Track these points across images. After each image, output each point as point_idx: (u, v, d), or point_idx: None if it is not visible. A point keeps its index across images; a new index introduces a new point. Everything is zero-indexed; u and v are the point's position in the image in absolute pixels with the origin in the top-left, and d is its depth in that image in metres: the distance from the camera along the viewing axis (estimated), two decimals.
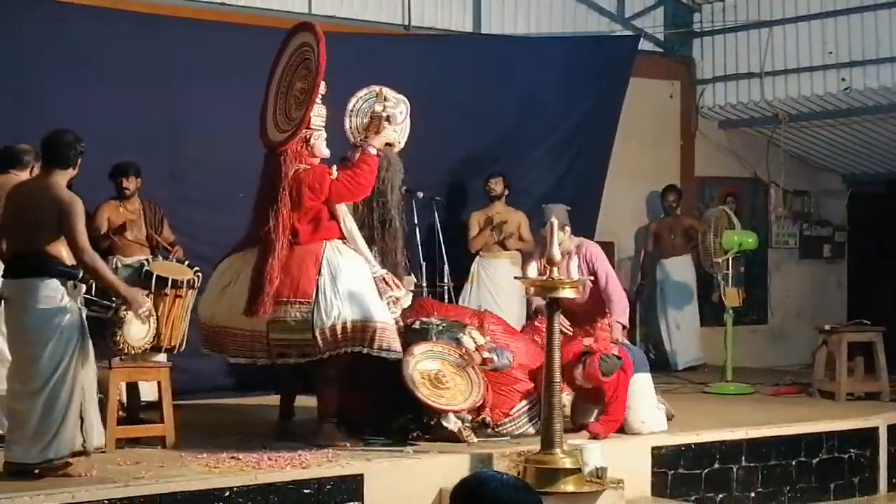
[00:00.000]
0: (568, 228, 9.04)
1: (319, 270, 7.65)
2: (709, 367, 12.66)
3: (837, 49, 12.84)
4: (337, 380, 7.95)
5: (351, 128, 8.29)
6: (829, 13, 12.89)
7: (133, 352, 7.13)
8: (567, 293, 7.50)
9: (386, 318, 7.77)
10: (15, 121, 9.17)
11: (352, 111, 8.26)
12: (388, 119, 8.20)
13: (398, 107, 8.29)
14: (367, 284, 7.79)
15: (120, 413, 7.89)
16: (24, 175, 7.60)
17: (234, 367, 9.08)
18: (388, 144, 8.35)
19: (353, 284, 7.69)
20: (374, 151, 8.08)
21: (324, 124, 8.04)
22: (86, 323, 6.75)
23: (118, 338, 6.93)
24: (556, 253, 7.45)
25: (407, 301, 8.17)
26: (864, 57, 12.62)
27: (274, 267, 7.59)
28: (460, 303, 10.95)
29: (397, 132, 8.38)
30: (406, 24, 12.07)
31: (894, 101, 12.74)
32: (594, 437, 8.24)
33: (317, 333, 7.54)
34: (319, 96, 7.84)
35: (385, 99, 8.22)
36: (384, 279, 7.98)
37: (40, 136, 7.10)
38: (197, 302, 8.24)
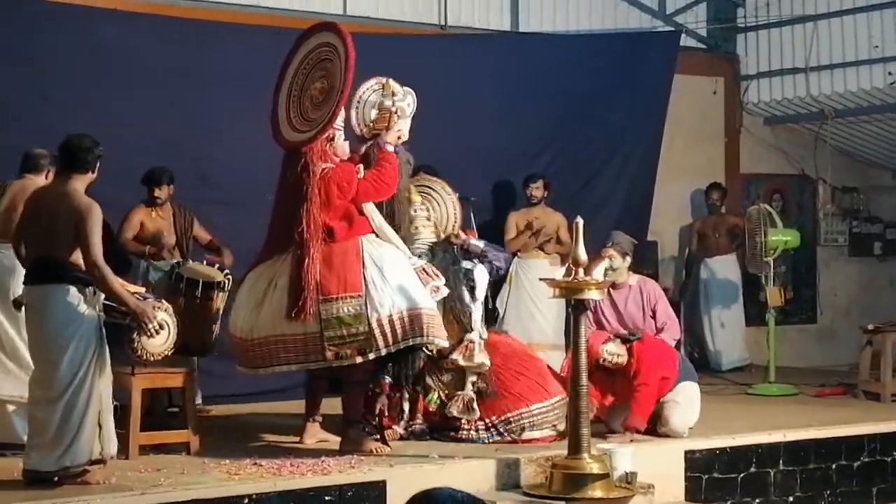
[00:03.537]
0: (629, 258, 9.07)
1: (364, 264, 7.58)
2: (755, 368, 12.46)
3: (883, 43, 12.63)
4: (364, 383, 7.90)
5: (357, 119, 8.16)
6: (874, 6, 12.67)
7: (152, 359, 7.07)
8: (593, 294, 7.39)
9: (433, 306, 7.77)
10: (41, 126, 9.11)
11: (358, 102, 8.14)
12: (397, 113, 8.09)
13: (406, 99, 8.17)
14: (411, 274, 7.76)
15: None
16: (39, 179, 7.57)
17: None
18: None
19: (399, 275, 7.65)
20: (391, 149, 8.00)
21: (343, 124, 7.99)
22: (104, 330, 6.70)
23: (136, 345, 6.87)
24: (582, 253, 7.31)
25: (445, 291, 8.11)
26: None
27: (311, 266, 7.50)
28: (498, 304, 10.85)
29: (406, 125, 8.26)
30: (442, 23, 11.98)
31: None
32: (635, 431, 8.20)
33: (373, 325, 7.46)
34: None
35: (393, 93, 8.10)
36: (424, 269, 7.95)
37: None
38: (227, 309, 8.19)
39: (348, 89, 7.69)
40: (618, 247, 9.19)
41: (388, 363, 7.85)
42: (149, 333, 6.86)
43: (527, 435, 8.13)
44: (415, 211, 8.45)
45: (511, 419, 8.14)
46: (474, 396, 8.17)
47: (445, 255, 8.44)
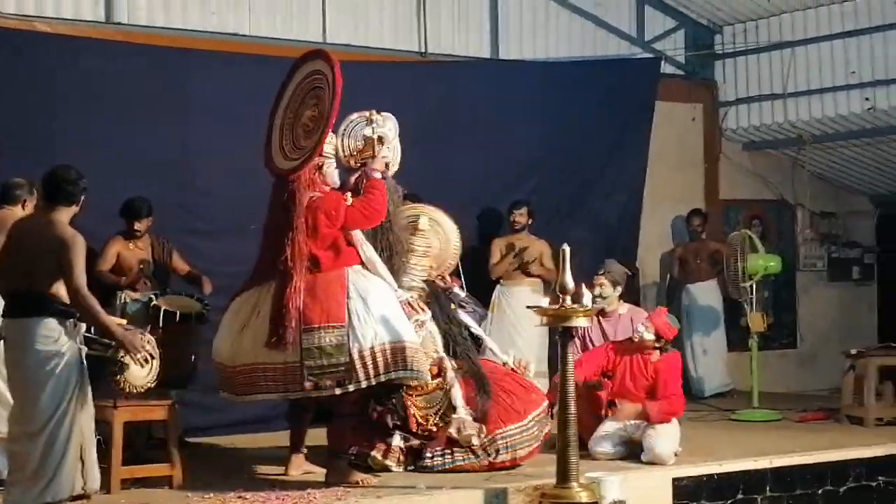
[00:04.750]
0: (620, 288, 9.24)
1: (348, 294, 7.52)
2: (737, 394, 12.44)
3: (860, 69, 12.68)
4: (351, 416, 7.83)
5: (343, 151, 8.12)
6: (851, 33, 12.72)
7: (134, 391, 6.99)
8: (581, 322, 7.35)
9: (416, 340, 7.71)
10: (24, 156, 9.07)
11: (343, 133, 8.11)
12: (380, 140, 8.06)
13: (386, 124, 8.15)
14: (396, 307, 7.70)
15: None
16: (17, 210, 7.49)
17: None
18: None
19: (383, 307, 7.59)
20: (378, 175, 7.96)
21: (334, 153, 7.95)
22: (85, 363, 6.61)
23: (119, 377, 6.78)
24: (570, 281, 7.27)
25: (429, 325, 8.11)
26: (887, 76, 12.42)
27: (293, 295, 7.44)
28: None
29: (391, 150, 8.22)
30: (422, 51, 11.96)
31: None
32: (645, 416, 8.38)
33: (354, 357, 7.39)
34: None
35: (372, 121, 8.08)
36: (409, 303, 7.92)
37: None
38: (208, 337, 8.12)
39: (335, 117, 7.65)
40: (609, 275, 9.24)
41: (374, 396, 7.81)
42: (139, 363, 6.77)
43: (501, 458, 8.07)
44: (415, 240, 8.41)
45: (485, 442, 8.07)
46: (470, 419, 8.07)
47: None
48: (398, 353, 7.52)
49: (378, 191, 7.84)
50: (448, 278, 8.68)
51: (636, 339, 8.77)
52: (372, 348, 7.45)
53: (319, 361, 7.39)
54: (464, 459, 8.07)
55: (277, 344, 7.41)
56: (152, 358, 6.88)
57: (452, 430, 7.99)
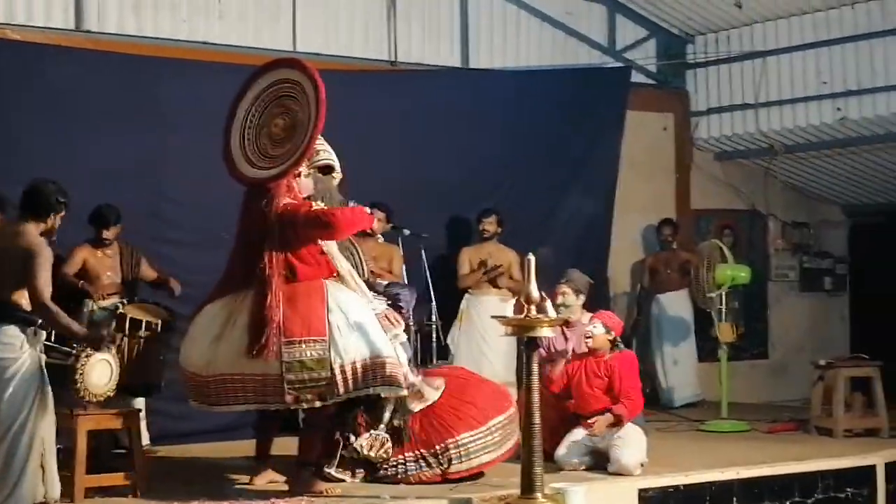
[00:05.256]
0: (583, 297, 9.27)
1: (328, 308, 7.50)
2: (708, 404, 12.43)
3: (832, 79, 12.72)
4: (322, 426, 7.79)
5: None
6: (822, 42, 12.75)
7: (94, 399, 6.95)
8: (545, 332, 7.34)
9: (395, 355, 7.70)
10: None
11: None
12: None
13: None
14: (374, 321, 7.68)
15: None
16: None
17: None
18: (328, 168, 8.14)
19: (362, 321, 7.58)
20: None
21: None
22: (45, 371, 6.56)
23: (78, 385, 6.75)
24: (534, 290, 7.26)
25: (403, 337, 8.05)
26: (858, 86, 12.47)
27: (273, 303, 7.40)
28: (448, 341, 10.81)
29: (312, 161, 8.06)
30: (393, 59, 11.95)
31: (890, 130, 12.57)
32: (618, 418, 8.44)
33: (336, 371, 7.37)
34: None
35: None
36: (386, 316, 7.87)
37: (21, 180, 7.01)
38: (175, 345, 8.08)
39: (321, 125, 7.61)
40: (571, 284, 9.23)
41: (352, 407, 7.78)
42: (108, 348, 6.73)
43: (455, 468, 8.01)
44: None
45: (438, 451, 8.03)
46: (388, 437, 8.00)
47: None
48: (378, 368, 7.52)
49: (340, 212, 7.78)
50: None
51: (587, 339, 8.75)
52: (353, 362, 7.44)
53: (301, 375, 7.37)
54: (416, 469, 8.02)
55: (259, 353, 7.35)
56: (116, 350, 6.85)
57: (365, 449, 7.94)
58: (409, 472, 8.01)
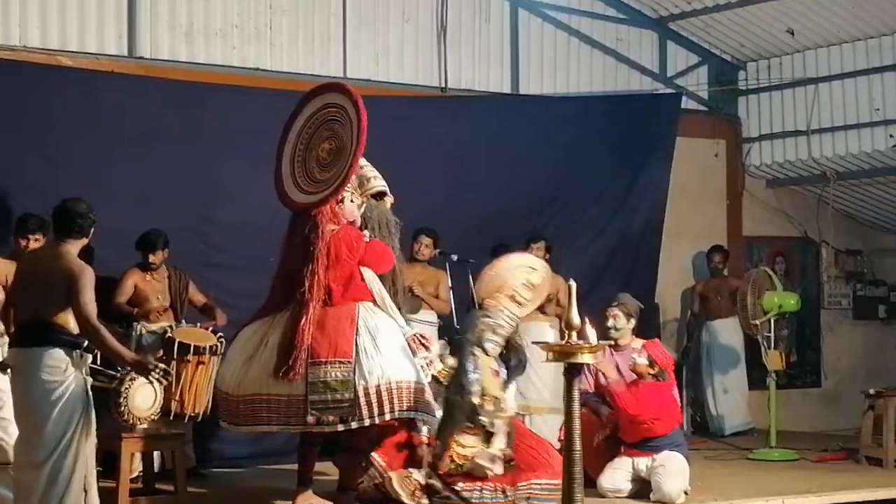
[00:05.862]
0: (633, 321, 9.17)
1: (357, 330, 7.52)
2: (758, 433, 12.32)
3: (884, 105, 12.62)
4: (365, 452, 7.77)
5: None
6: (875, 69, 12.67)
7: (138, 423, 7.02)
8: (586, 358, 7.29)
9: (422, 379, 7.65)
10: (46, 187, 9.13)
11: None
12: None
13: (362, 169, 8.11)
14: (404, 346, 7.67)
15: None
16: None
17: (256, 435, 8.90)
18: (380, 194, 8.17)
19: (391, 345, 7.57)
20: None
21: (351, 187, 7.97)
22: (90, 394, 6.65)
23: (122, 409, 6.82)
24: (575, 317, 7.23)
25: (438, 365, 8.01)
26: None
27: (306, 327, 7.44)
28: None
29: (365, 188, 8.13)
30: (443, 86, 11.99)
31: None
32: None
33: (360, 393, 7.36)
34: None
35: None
36: (417, 339, 7.84)
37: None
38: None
39: (362, 150, 7.67)
40: (622, 307, 9.19)
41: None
42: (160, 380, 6.77)
43: None
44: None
45: (521, 487, 7.80)
46: (502, 455, 7.89)
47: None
48: (403, 393, 7.49)
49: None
50: None
51: (631, 367, 8.74)
52: (378, 386, 7.41)
53: (324, 396, 7.38)
54: (492, 498, 7.81)
55: (286, 374, 7.38)
56: (166, 378, 6.89)
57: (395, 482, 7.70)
58: (483, 500, 7.79)
